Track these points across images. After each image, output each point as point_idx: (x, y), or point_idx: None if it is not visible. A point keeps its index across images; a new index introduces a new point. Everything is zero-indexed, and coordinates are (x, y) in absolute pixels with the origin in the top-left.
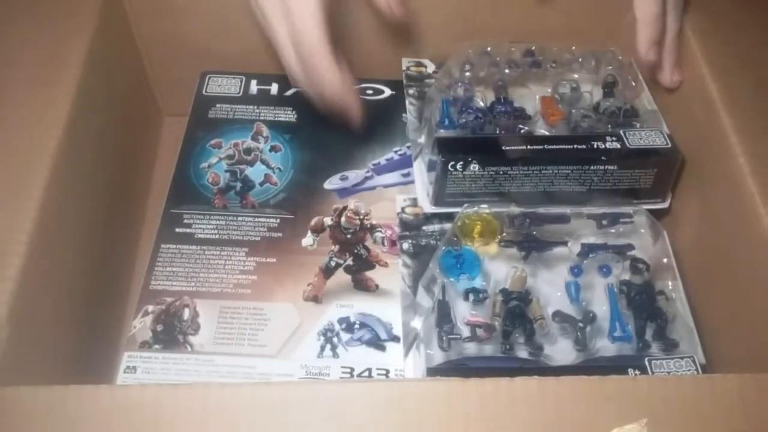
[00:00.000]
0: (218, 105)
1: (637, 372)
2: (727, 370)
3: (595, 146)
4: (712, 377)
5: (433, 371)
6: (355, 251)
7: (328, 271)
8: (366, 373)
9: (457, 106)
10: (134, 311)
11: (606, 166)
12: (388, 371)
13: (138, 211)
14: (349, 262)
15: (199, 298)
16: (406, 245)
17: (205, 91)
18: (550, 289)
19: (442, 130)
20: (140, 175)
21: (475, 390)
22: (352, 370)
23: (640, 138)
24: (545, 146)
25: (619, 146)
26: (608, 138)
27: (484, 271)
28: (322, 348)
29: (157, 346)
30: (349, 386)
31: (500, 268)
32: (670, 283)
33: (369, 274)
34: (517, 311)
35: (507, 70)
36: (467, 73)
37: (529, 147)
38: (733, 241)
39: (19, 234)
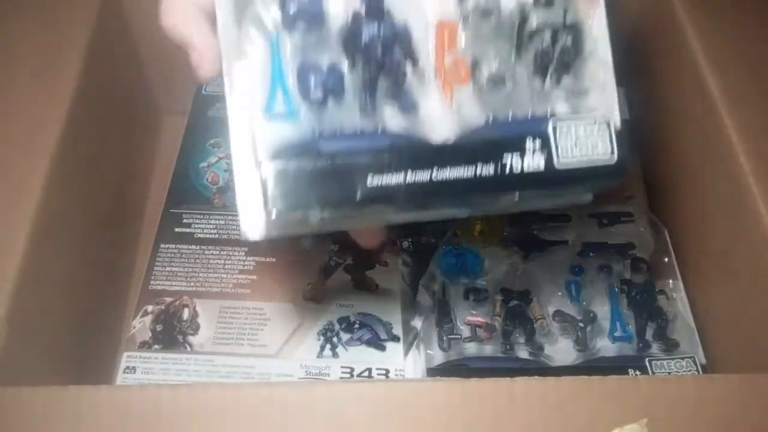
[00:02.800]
0: (218, 104)
1: (637, 372)
2: (728, 370)
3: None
4: (712, 377)
5: (433, 371)
6: (355, 250)
7: (327, 271)
8: (366, 373)
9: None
10: (134, 311)
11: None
12: (388, 371)
13: (137, 211)
14: (349, 261)
15: (199, 298)
16: (406, 244)
17: (205, 90)
18: (551, 288)
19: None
20: (139, 174)
21: (475, 390)
22: (352, 370)
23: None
24: (430, 175)
25: (542, 166)
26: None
27: (484, 271)
28: (322, 348)
29: (156, 346)
30: (349, 386)
31: (500, 268)
32: (671, 283)
33: (369, 273)
34: (517, 311)
35: None
36: None
37: (399, 181)
38: (733, 241)
39: (17, 233)
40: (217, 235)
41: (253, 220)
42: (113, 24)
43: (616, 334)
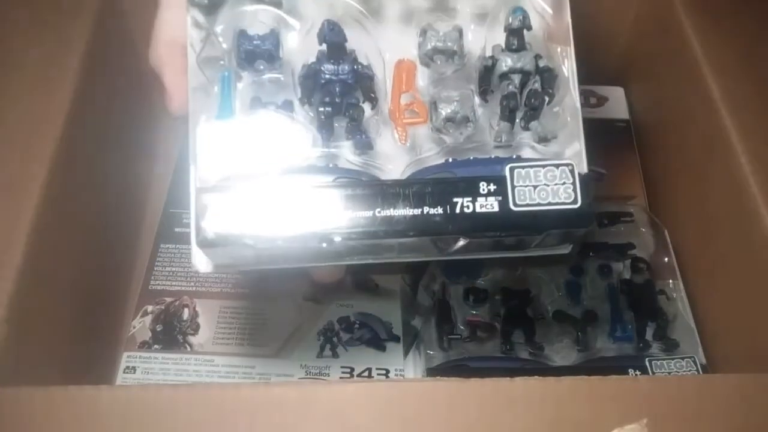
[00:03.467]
0: None
1: (637, 372)
2: (728, 370)
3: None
4: (712, 377)
5: (433, 371)
6: None
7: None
8: (366, 373)
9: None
10: (134, 311)
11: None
12: (388, 371)
13: (138, 211)
14: None
15: (199, 298)
16: None
17: None
18: (551, 288)
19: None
20: (140, 174)
21: (475, 390)
22: (352, 370)
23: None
24: (373, 212)
25: (496, 207)
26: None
27: (484, 271)
28: (322, 348)
29: (156, 346)
30: (349, 386)
31: (500, 268)
32: (671, 283)
33: (369, 273)
34: (517, 311)
35: None
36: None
37: (338, 216)
38: (733, 241)
39: (17, 234)
40: None
41: (201, 252)
42: (113, 24)
43: (616, 334)
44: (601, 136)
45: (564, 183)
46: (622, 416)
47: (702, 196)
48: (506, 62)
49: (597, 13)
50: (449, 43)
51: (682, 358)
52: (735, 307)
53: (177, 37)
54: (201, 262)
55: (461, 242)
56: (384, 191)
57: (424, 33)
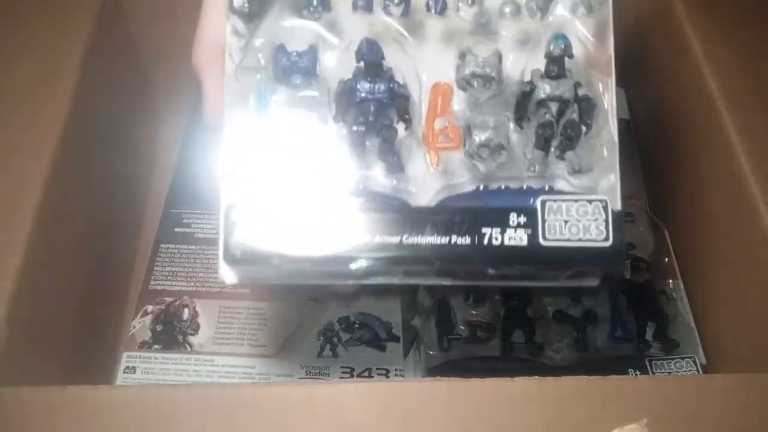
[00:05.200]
0: None
1: (637, 372)
2: (728, 370)
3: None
4: (712, 377)
5: (433, 371)
6: None
7: None
8: (366, 373)
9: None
10: (133, 311)
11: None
12: (387, 371)
13: (137, 211)
14: None
15: (199, 298)
16: None
17: None
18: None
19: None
20: (139, 174)
21: (475, 390)
22: (352, 370)
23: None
24: (400, 239)
25: (525, 242)
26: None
27: None
28: (322, 348)
29: (156, 346)
30: (349, 386)
31: None
32: (671, 283)
33: None
34: (517, 311)
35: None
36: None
37: (366, 241)
38: (733, 241)
39: (17, 233)
40: (217, 235)
41: (228, 266)
42: (113, 24)
43: (616, 334)
44: None
45: (596, 219)
46: (622, 416)
47: (702, 195)
48: (545, 89)
49: None
50: (488, 69)
51: (682, 358)
52: (735, 307)
53: (220, 41)
54: (227, 274)
55: (490, 271)
56: (412, 217)
57: (462, 56)
